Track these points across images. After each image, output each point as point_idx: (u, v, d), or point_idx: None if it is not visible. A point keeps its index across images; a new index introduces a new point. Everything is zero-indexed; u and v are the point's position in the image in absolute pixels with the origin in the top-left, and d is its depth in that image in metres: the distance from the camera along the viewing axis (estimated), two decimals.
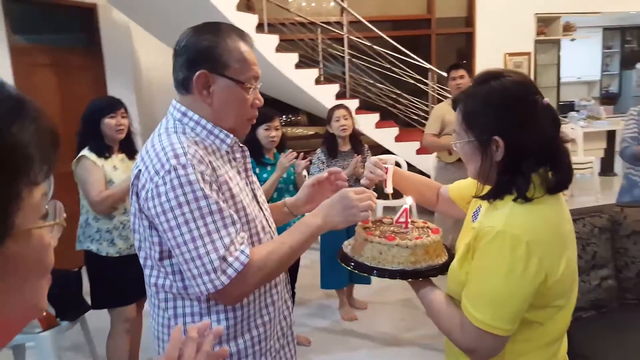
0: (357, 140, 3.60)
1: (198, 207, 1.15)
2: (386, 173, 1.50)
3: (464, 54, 7.12)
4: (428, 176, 5.07)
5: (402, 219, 1.43)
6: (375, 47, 5.59)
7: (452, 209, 1.55)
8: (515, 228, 1.07)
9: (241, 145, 1.38)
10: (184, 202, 1.14)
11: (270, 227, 1.40)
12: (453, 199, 1.53)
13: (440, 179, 3.53)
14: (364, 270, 1.31)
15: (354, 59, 5.68)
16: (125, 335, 2.72)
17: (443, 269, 1.29)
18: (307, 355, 3.22)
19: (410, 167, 5.40)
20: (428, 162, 4.89)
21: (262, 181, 3.15)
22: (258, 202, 1.39)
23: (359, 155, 3.42)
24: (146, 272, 1.29)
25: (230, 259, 1.15)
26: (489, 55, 6.69)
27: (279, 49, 4.81)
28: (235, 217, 1.21)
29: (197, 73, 1.22)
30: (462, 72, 4.05)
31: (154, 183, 1.16)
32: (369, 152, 3.65)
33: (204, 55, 1.22)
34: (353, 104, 5.23)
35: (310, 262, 4.58)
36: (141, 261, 1.29)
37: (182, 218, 1.14)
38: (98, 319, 2.90)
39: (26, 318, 0.57)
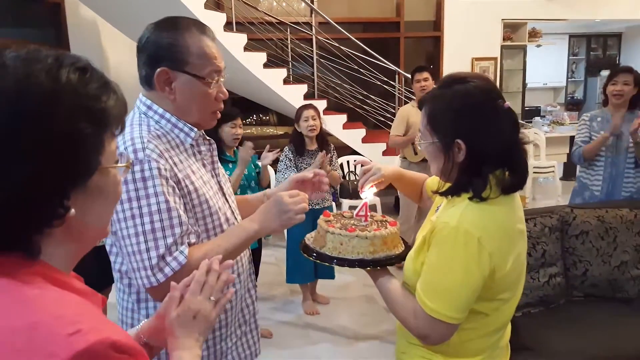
0: (324, 139, 3.68)
1: (147, 204, 1.17)
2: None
3: (432, 58, 7.25)
4: None
5: (362, 213, 1.50)
6: (343, 48, 5.67)
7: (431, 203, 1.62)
8: (468, 224, 1.14)
9: (208, 138, 1.41)
10: (134, 197, 1.17)
11: (236, 219, 1.44)
12: (429, 194, 1.59)
13: None
14: (325, 260, 1.37)
15: (322, 60, 5.74)
16: None
17: (400, 258, 1.36)
18: (269, 348, 3.27)
19: None
20: (394, 163, 4.99)
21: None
22: (224, 195, 1.42)
23: (323, 152, 3.49)
24: (112, 258, 1.32)
25: (168, 259, 1.18)
26: (456, 59, 6.84)
27: (248, 47, 4.83)
28: (184, 217, 1.22)
29: (158, 70, 1.24)
30: (426, 74, 4.16)
31: None
32: (334, 151, 3.74)
33: (164, 53, 1.24)
34: (321, 104, 5.29)
35: (276, 260, 4.63)
36: (107, 248, 1.32)
37: (129, 212, 1.17)
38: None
39: (100, 235, 0.77)
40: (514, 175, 1.21)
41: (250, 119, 6.99)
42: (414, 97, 4.52)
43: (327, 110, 5.40)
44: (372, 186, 1.56)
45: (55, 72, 0.65)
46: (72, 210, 0.66)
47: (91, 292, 0.74)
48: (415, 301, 1.22)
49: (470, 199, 1.18)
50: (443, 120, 1.22)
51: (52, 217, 0.65)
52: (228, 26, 4.81)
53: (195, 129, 1.33)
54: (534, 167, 6.04)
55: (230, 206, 1.44)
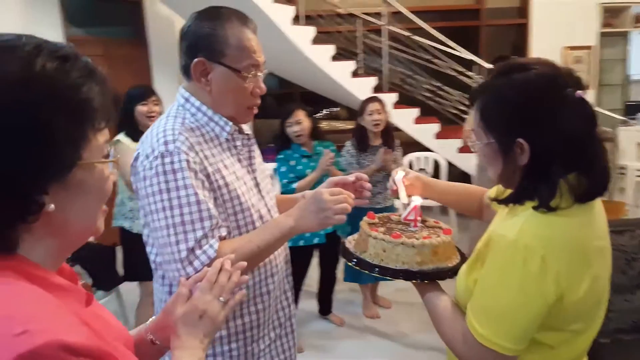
0: (389, 134, 3.49)
1: (177, 196, 1.17)
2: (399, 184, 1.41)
3: (516, 47, 6.76)
4: (469, 177, 4.88)
5: (411, 217, 1.36)
6: (416, 37, 5.40)
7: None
8: (530, 239, 0.96)
9: (247, 133, 1.39)
10: (164, 189, 1.17)
11: (271, 216, 1.40)
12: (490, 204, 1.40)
13: (482, 179, 3.34)
14: (366, 268, 1.25)
15: (394, 51, 5.52)
16: (151, 307, 2.89)
17: (453, 272, 1.21)
18: (324, 350, 3.22)
19: (452, 167, 5.21)
20: (470, 162, 4.68)
21: (297, 173, 3.15)
22: (260, 191, 1.39)
23: (385, 147, 3.34)
24: (148, 249, 1.33)
25: (198, 252, 1.17)
26: (544, 49, 6.27)
27: (316, 40, 4.76)
28: (214, 211, 1.21)
29: (195, 60, 1.24)
30: None
31: (143, 166, 1.20)
32: (400, 147, 3.55)
33: (202, 43, 1.24)
34: (391, 97, 5.11)
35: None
36: (144, 238, 1.33)
37: (160, 204, 1.18)
38: (134, 292, 3.12)
39: (87, 232, 0.75)
40: (591, 179, 0.99)
41: (321, 113, 6.98)
42: None
43: (397, 104, 5.19)
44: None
45: (31, 60, 0.64)
46: (52, 206, 0.65)
47: (73, 289, 0.73)
48: (465, 324, 1.05)
49: (535, 208, 0.99)
50: (499, 116, 1.03)
51: (25, 212, 0.63)
52: (296, 19, 4.77)
53: (231, 123, 1.30)
54: (637, 170, 5.37)
55: (266, 203, 1.39)
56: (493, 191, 1.32)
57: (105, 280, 3.11)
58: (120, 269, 3.10)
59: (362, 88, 4.89)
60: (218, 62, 1.24)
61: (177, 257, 1.17)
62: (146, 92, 2.92)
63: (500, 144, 1.04)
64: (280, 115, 3.27)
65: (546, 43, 6.33)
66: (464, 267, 1.14)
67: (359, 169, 3.35)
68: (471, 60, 5.29)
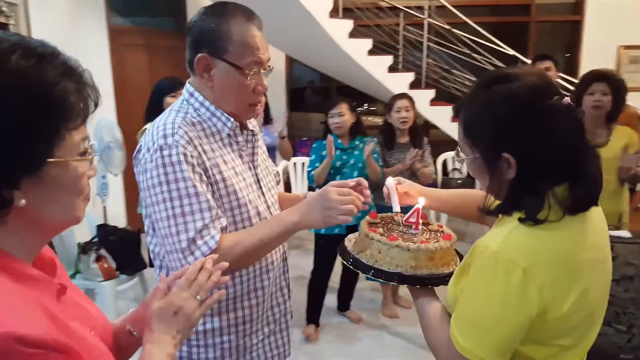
0: (416, 132, 3.42)
1: (177, 188, 1.19)
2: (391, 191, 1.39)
3: (569, 45, 6.43)
4: None
5: (413, 219, 1.33)
6: (458, 32, 5.24)
7: None
8: (512, 251, 0.94)
9: (251, 129, 1.41)
10: (164, 181, 1.19)
11: (270, 213, 1.40)
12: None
13: None
14: (361, 268, 1.23)
15: (435, 46, 5.38)
16: None
17: (448, 278, 1.17)
18: (339, 344, 3.21)
19: None
20: None
21: (334, 167, 3.15)
22: (260, 187, 1.40)
23: (417, 149, 3.26)
24: (147, 239, 1.36)
25: (199, 242, 1.19)
26: (598, 47, 5.95)
27: (353, 34, 4.70)
28: (212, 202, 1.22)
29: (198, 56, 1.25)
30: (548, 63, 3.65)
31: (144, 159, 1.23)
32: (428, 145, 3.46)
33: (206, 38, 1.25)
34: (428, 94, 5.00)
35: None
36: (145, 228, 1.35)
37: (161, 196, 1.20)
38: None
39: (65, 224, 0.78)
40: (581, 189, 0.95)
41: (362, 108, 6.92)
42: None
43: (434, 101, 5.06)
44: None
45: (5, 57, 0.65)
46: (22, 201, 0.67)
47: (42, 279, 0.74)
48: (449, 334, 1.02)
49: (521, 220, 0.95)
50: (483, 130, 1.00)
51: None
52: (335, 12, 4.73)
53: (232, 119, 1.31)
54: None
55: (266, 200, 1.40)
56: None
57: (128, 265, 3.21)
58: (145, 254, 3.19)
59: (398, 83, 4.80)
60: (220, 59, 1.24)
61: (178, 247, 1.19)
62: (175, 84, 2.98)
63: (486, 159, 1.01)
64: (324, 106, 3.28)
65: (601, 41, 5.99)
66: (453, 276, 1.10)
67: (384, 167, 3.29)
68: (517, 58, 5.09)
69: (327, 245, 3.19)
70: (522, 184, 0.98)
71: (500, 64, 5.14)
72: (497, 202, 1.05)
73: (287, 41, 5.02)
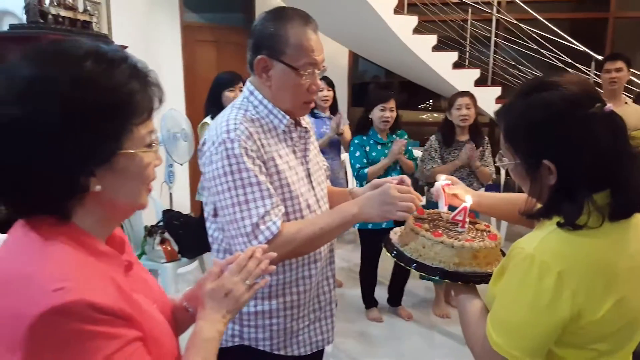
0: (477, 130, 3.38)
1: (240, 178, 1.30)
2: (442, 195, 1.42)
3: None
4: None
5: (460, 217, 1.36)
6: (527, 28, 5.05)
7: None
8: (547, 254, 0.96)
9: (304, 126, 1.50)
10: (228, 171, 1.30)
11: (319, 206, 1.49)
12: None
13: None
14: (404, 261, 1.28)
15: (503, 42, 5.23)
16: None
17: (488, 278, 1.19)
18: (388, 341, 3.23)
19: None
20: None
21: (371, 159, 3.21)
22: (311, 181, 1.49)
23: (473, 144, 3.23)
24: (207, 224, 1.48)
25: (262, 227, 1.29)
26: None
27: (419, 29, 4.66)
28: (272, 191, 1.33)
29: (258, 57, 1.35)
30: (620, 64, 3.47)
31: (210, 152, 1.34)
32: (488, 145, 3.41)
33: (265, 41, 1.34)
34: (495, 91, 4.87)
35: None
36: (205, 215, 1.47)
37: (226, 185, 1.31)
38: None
39: (131, 208, 0.88)
40: (623, 197, 0.95)
41: (426, 104, 6.82)
42: (600, 90, 3.83)
43: (500, 99, 4.91)
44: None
45: (78, 63, 0.75)
46: (98, 187, 0.77)
47: (113, 255, 0.85)
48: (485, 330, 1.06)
49: (559, 225, 0.97)
50: (524, 138, 1.02)
51: (74, 190, 0.76)
52: (400, 7, 4.71)
53: (287, 117, 1.41)
54: None
55: (315, 194, 1.49)
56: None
57: (189, 249, 3.37)
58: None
59: (463, 80, 4.73)
60: (278, 60, 1.33)
61: (243, 231, 1.30)
62: (234, 79, 3.10)
63: (527, 165, 1.03)
64: (373, 99, 3.31)
65: None
66: (494, 275, 1.12)
67: (441, 164, 3.28)
68: (589, 55, 4.84)
69: (373, 239, 3.27)
70: (562, 190, 0.99)
71: (571, 62, 4.92)
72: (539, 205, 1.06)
73: (350, 37, 5.06)
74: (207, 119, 3.07)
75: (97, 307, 0.71)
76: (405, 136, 3.41)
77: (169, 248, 3.21)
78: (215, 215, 1.41)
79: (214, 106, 3.05)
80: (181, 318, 1.06)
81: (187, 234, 3.37)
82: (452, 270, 1.21)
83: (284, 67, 1.33)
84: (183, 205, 4.72)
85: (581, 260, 0.95)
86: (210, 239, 1.48)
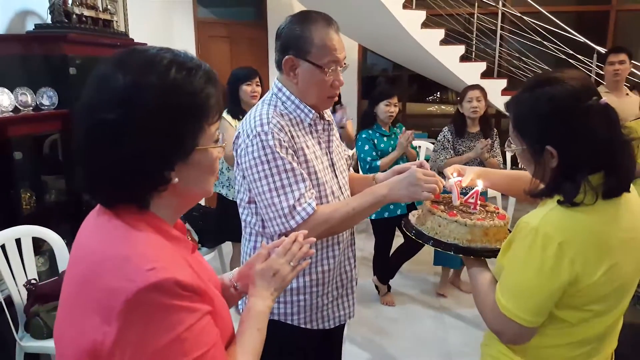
0: (487, 122, 3.54)
1: (275, 165, 1.42)
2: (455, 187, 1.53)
3: None
4: None
5: (472, 200, 1.50)
6: (532, 21, 5.16)
7: None
8: (549, 227, 1.09)
9: (328, 119, 1.62)
10: (264, 160, 1.42)
11: (342, 193, 1.62)
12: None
13: None
14: (422, 239, 1.42)
15: (508, 35, 5.34)
16: (239, 263, 3.29)
17: (497, 252, 1.32)
18: (398, 322, 3.40)
19: None
20: None
21: (380, 149, 3.37)
22: (335, 171, 1.61)
23: (487, 140, 3.38)
24: (240, 210, 1.61)
25: (298, 208, 1.42)
26: None
27: (427, 23, 4.77)
28: (305, 175, 1.45)
29: (285, 57, 1.48)
30: (623, 56, 3.61)
31: (245, 144, 1.47)
32: (497, 136, 3.56)
33: (292, 42, 1.47)
34: (500, 84, 4.98)
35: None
36: (237, 202, 1.60)
37: (263, 173, 1.43)
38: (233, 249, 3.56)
39: (201, 196, 0.96)
40: (614, 178, 1.10)
41: (434, 96, 6.94)
42: (602, 82, 3.95)
43: (506, 91, 5.04)
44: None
45: (166, 72, 0.84)
46: (176, 179, 0.86)
47: (183, 239, 0.95)
48: (494, 296, 1.20)
49: (559, 202, 1.12)
50: (530, 126, 1.17)
51: (159, 182, 0.85)
52: (408, 2, 4.81)
53: (313, 111, 1.53)
54: None
55: (338, 181, 1.62)
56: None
57: (209, 239, 3.53)
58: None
59: (470, 73, 4.84)
60: (304, 59, 1.45)
61: (281, 213, 1.42)
62: (251, 74, 3.16)
63: (532, 150, 1.16)
64: (379, 95, 3.47)
65: None
66: (501, 248, 1.26)
67: (454, 154, 3.43)
68: (592, 47, 4.95)
69: (388, 227, 3.55)
70: (562, 172, 1.12)
71: (574, 54, 5.03)
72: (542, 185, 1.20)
73: (360, 31, 5.16)
74: (224, 114, 3.16)
75: (182, 285, 0.79)
76: (403, 128, 3.63)
77: (190, 238, 3.32)
78: (250, 202, 1.53)
79: (232, 101, 3.13)
80: (228, 296, 1.16)
81: (206, 225, 3.51)
82: (465, 245, 1.34)
83: (309, 66, 1.45)
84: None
85: (579, 232, 1.09)
86: (243, 224, 1.61)
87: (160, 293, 0.77)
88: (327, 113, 1.65)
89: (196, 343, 0.81)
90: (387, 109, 3.41)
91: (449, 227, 1.36)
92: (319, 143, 1.58)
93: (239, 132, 1.51)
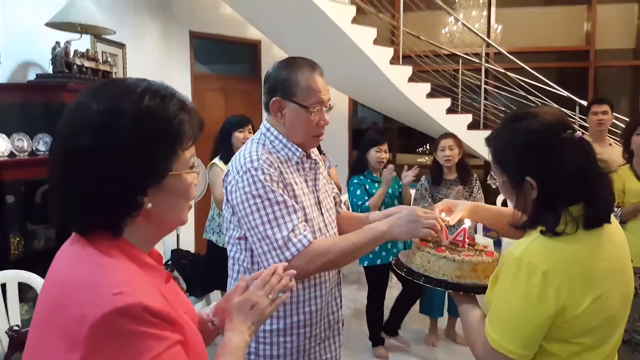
0: (464, 169, 3.61)
1: (267, 198, 1.45)
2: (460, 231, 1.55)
3: (630, 89, 6.35)
4: None
5: (460, 238, 1.53)
6: (515, 76, 5.39)
7: None
8: (533, 256, 1.11)
9: (314, 158, 1.67)
10: (256, 194, 1.45)
11: (328, 230, 1.64)
12: None
13: None
14: (412, 276, 1.43)
15: (493, 90, 5.54)
16: None
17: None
18: None
19: None
20: None
21: (371, 194, 3.44)
22: (320, 208, 1.65)
23: (459, 187, 3.45)
24: (228, 247, 1.62)
25: (294, 240, 1.43)
26: None
27: (413, 78, 4.95)
28: (297, 207, 1.48)
29: (273, 99, 1.55)
30: (605, 107, 3.72)
31: (235, 180, 1.50)
32: (477, 181, 3.62)
33: (279, 85, 1.55)
34: (486, 135, 5.08)
35: None
36: (226, 239, 1.62)
37: (255, 207, 1.45)
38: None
39: (175, 224, 0.97)
40: (594, 209, 1.13)
41: (423, 147, 7.09)
42: (587, 132, 4.08)
43: None
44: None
45: (139, 99, 0.86)
46: (149, 205, 0.86)
47: (157, 268, 0.94)
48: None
49: (542, 232, 1.14)
50: (508, 158, 1.21)
51: (132, 208, 0.86)
52: (395, 59, 5.02)
53: (300, 150, 1.58)
54: None
55: (324, 219, 1.64)
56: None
57: (197, 286, 3.44)
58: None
59: (456, 124, 4.97)
60: (290, 100, 1.53)
61: (275, 245, 1.42)
62: (243, 121, 3.23)
63: (513, 182, 1.20)
64: (368, 142, 3.58)
65: None
66: (489, 283, 1.27)
67: (432, 203, 3.48)
68: (574, 100, 5.15)
69: (381, 275, 3.55)
70: (543, 203, 1.15)
71: (557, 106, 5.21)
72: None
73: (350, 85, 5.34)
74: (216, 160, 3.17)
75: (150, 311, 0.78)
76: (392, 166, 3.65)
77: (181, 287, 3.28)
78: (240, 238, 1.53)
79: (224, 147, 3.18)
80: (205, 331, 1.11)
81: (195, 272, 3.42)
82: (454, 282, 1.35)
83: (295, 107, 1.52)
84: (188, 245, 4.86)
85: (562, 261, 1.10)
86: (231, 261, 1.62)
87: (126, 318, 0.76)
88: (315, 152, 1.70)
89: None
90: (377, 155, 3.50)
91: (438, 264, 1.38)
92: (306, 181, 1.62)
93: (229, 170, 1.56)
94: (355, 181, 3.54)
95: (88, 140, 0.82)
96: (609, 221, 1.17)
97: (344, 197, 4.30)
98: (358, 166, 3.61)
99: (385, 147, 3.53)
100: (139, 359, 0.76)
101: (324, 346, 1.66)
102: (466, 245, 1.50)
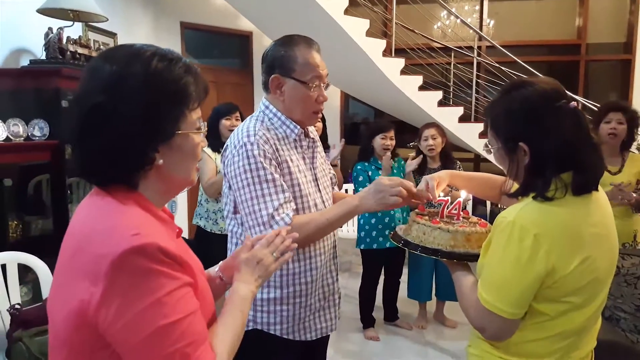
0: (447, 157, 3.69)
1: (258, 175, 1.49)
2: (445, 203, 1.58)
3: (620, 83, 6.45)
4: None
5: (455, 210, 1.57)
6: (506, 69, 5.46)
7: None
8: (525, 220, 1.15)
9: (312, 137, 1.71)
10: (248, 169, 1.49)
11: (324, 207, 1.67)
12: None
13: None
14: (411, 247, 1.47)
15: (485, 83, 5.61)
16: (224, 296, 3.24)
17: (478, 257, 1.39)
18: (381, 357, 3.36)
19: None
20: None
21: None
22: (318, 185, 1.68)
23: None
24: (226, 221, 1.67)
25: (277, 218, 1.48)
26: None
27: (405, 71, 4.99)
28: (285, 187, 1.52)
29: (272, 76, 1.58)
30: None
31: (232, 154, 1.54)
32: (460, 168, 3.69)
33: (277, 62, 1.58)
34: (477, 127, 5.17)
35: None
36: (224, 213, 1.66)
37: (246, 181, 1.50)
38: None
39: (184, 183, 1.03)
40: (583, 176, 1.18)
41: (414, 142, 7.13)
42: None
43: (483, 135, 5.20)
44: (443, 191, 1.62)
45: (148, 62, 0.92)
46: (160, 161, 0.93)
47: (169, 221, 1.01)
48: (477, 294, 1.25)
49: (534, 197, 1.19)
50: (504, 124, 1.25)
51: (145, 162, 0.92)
52: (388, 52, 5.04)
53: (299, 127, 1.61)
54: None
55: (322, 195, 1.68)
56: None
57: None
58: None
59: (448, 117, 5.03)
60: (289, 77, 1.55)
61: (260, 221, 1.48)
62: (231, 109, 3.25)
63: (506, 148, 1.24)
64: (375, 128, 3.65)
65: None
66: (482, 249, 1.32)
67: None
68: None
69: (376, 258, 3.64)
70: (534, 169, 1.20)
71: None
72: (516, 186, 1.28)
73: (342, 78, 5.36)
74: (205, 148, 3.22)
75: (164, 251, 0.85)
76: (402, 162, 3.74)
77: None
78: (236, 212, 1.58)
79: (211, 135, 3.18)
80: (213, 287, 1.18)
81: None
82: (447, 250, 1.40)
83: (294, 83, 1.55)
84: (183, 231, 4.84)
85: (553, 225, 1.15)
86: (229, 235, 1.66)
87: (142, 256, 0.83)
88: (312, 132, 1.73)
89: (175, 308, 0.85)
90: (383, 142, 3.56)
91: (433, 234, 1.42)
92: (304, 158, 1.65)
93: (227, 145, 1.59)
94: (359, 167, 3.63)
95: (102, 98, 0.88)
96: (597, 188, 1.22)
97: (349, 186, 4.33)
98: (364, 153, 3.66)
99: (391, 134, 3.59)
100: (153, 294, 0.83)
101: (318, 315, 1.71)
102: (461, 218, 1.55)
